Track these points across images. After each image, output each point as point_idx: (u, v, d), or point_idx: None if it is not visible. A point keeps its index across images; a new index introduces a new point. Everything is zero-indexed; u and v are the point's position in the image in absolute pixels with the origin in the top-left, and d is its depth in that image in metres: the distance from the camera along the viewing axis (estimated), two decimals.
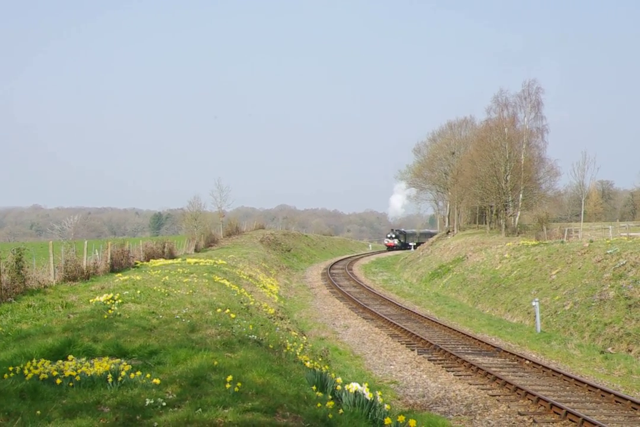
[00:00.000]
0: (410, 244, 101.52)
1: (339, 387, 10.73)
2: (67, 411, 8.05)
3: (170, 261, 38.47)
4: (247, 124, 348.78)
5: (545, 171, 60.94)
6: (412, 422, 9.00)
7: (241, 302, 23.81)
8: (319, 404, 9.23)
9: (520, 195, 58.90)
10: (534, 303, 28.12)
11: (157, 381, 9.44)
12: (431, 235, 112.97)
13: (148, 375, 9.73)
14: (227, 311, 18.52)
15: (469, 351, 24.03)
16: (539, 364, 21.23)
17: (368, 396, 10.26)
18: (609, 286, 27.22)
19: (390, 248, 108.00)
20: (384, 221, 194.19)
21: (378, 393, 10.79)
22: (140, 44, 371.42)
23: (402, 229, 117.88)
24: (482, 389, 18.30)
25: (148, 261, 38.34)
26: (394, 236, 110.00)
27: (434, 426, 14.24)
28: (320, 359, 18.14)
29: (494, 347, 24.34)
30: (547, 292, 31.27)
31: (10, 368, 9.67)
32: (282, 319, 25.95)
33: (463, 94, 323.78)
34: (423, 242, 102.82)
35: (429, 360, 22.42)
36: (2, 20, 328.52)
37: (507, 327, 29.49)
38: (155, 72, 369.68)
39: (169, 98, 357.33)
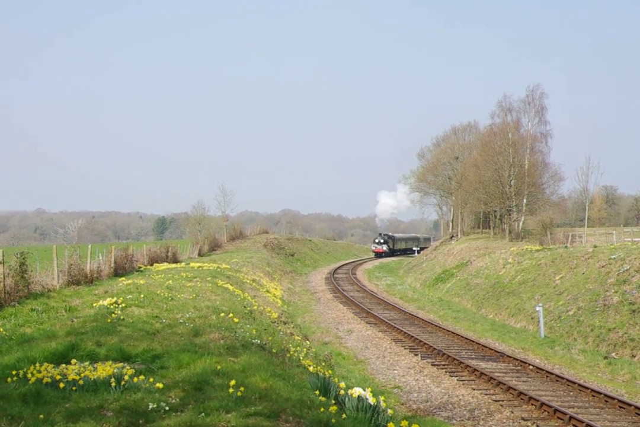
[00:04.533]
0: (415, 248, 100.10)
1: (342, 391, 10.71)
2: (70, 415, 8.06)
3: (173, 265, 38.52)
4: (251, 129, 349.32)
5: (549, 176, 60.90)
6: None
7: (244, 307, 23.81)
8: (322, 409, 9.22)
9: (524, 200, 58.85)
10: (537, 308, 28.07)
11: (160, 385, 9.43)
12: (419, 239, 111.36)
13: (151, 379, 9.74)
14: (231, 315, 18.52)
15: (473, 356, 23.98)
16: (542, 369, 21.18)
17: (371, 400, 10.24)
18: (612, 291, 27.16)
19: (378, 254, 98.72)
20: (387, 225, 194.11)
21: (381, 398, 10.76)
22: (144, 47, 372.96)
23: (391, 234, 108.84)
24: (486, 394, 18.25)
25: (152, 265, 38.41)
26: (382, 241, 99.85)
27: None
28: (323, 364, 18.12)
29: (498, 352, 24.29)
30: (551, 297, 31.21)
31: (14, 372, 9.70)
32: (285, 323, 25.94)
33: (467, 99, 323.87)
34: (416, 248, 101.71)
35: (432, 365, 22.38)
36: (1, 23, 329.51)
37: (510, 332, 29.44)
38: (160, 75, 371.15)
39: (173, 102, 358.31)
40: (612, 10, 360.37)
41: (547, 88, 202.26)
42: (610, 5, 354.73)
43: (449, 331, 29.36)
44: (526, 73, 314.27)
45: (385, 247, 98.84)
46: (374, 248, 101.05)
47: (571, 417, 15.52)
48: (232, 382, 9.44)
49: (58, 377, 9.58)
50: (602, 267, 30.28)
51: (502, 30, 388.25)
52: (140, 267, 35.64)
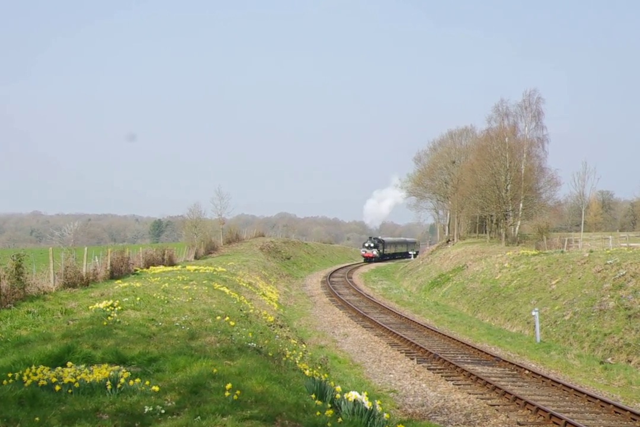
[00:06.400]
0: (411, 252, 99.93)
1: (338, 395, 10.70)
2: (65, 417, 8.03)
3: (170, 268, 38.45)
4: (248, 132, 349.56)
5: (546, 181, 61.13)
6: None
7: (241, 310, 23.78)
8: (318, 413, 9.21)
9: (521, 205, 58.99)
10: (533, 313, 28.09)
11: (156, 388, 9.42)
12: (408, 244, 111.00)
13: (147, 382, 9.71)
14: (227, 318, 18.50)
15: (469, 360, 23.98)
16: (538, 374, 21.19)
17: (367, 404, 10.22)
18: (608, 296, 27.19)
19: (368, 259, 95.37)
20: (383, 229, 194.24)
21: (377, 402, 10.75)
22: (143, 50, 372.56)
23: (381, 237, 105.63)
24: (482, 399, 18.25)
25: (148, 267, 38.33)
26: (372, 245, 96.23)
27: None
28: (319, 367, 18.12)
29: (494, 356, 24.30)
30: (547, 302, 31.24)
31: (9, 374, 9.66)
32: (281, 327, 25.91)
33: (465, 103, 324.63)
34: (408, 252, 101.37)
35: (428, 369, 22.38)
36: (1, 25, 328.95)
37: (506, 336, 29.45)
38: (157, 78, 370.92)
39: (169, 105, 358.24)
40: (613, 13, 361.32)
41: (546, 92, 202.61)
42: (610, 7, 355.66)
43: (444, 335, 29.36)
44: (526, 76, 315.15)
45: (375, 252, 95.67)
46: (363, 252, 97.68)
47: (567, 422, 15.53)
48: (228, 386, 9.43)
49: (54, 379, 9.55)
50: (598, 272, 30.32)
51: (502, 33, 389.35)
52: (137, 270, 35.58)
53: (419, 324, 33.10)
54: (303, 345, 24.00)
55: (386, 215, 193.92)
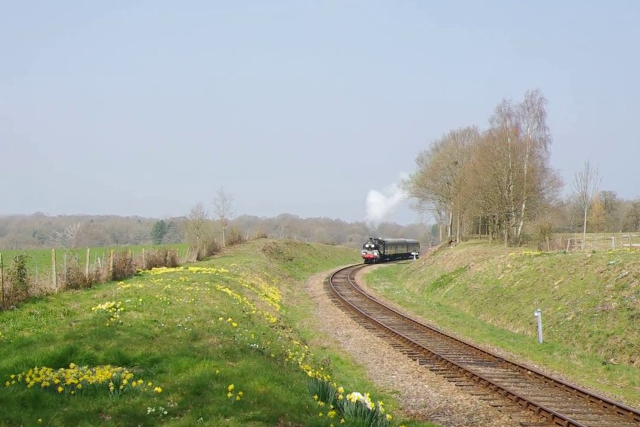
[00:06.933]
0: (413, 253, 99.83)
1: (340, 396, 10.69)
2: (68, 419, 8.04)
3: (172, 269, 38.48)
4: (250, 133, 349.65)
5: (548, 181, 61.13)
6: None
7: (243, 311, 23.78)
8: (320, 414, 9.20)
9: (523, 206, 58.98)
10: (536, 313, 28.08)
11: (158, 389, 9.42)
12: (409, 244, 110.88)
13: (150, 383, 9.72)
14: (229, 319, 18.51)
15: (471, 361, 23.96)
16: (541, 375, 21.17)
17: (370, 405, 10.22)
18: (611, 296, 27.17)
19: (369, 260, 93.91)
20: (386, 229, 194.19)
21: (380, 403, 10.74)
22: (143, 50, 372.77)
23: (381, 238, 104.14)
24: (484, 400, 18.23)
25: (150, 269, 38.36)
26: (373, 246, 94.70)
27: None
28: (322, 369, 18.09)
29: (496, 357, 24.28)
30: (550, 303, 31.21)
31: (12, 376, 9.67)
32: (284, 328, 25.90)
33: (467, 103, 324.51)
34: (410, 253, 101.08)
35: (430, 370, 22.36)
36: None
37: (509, 337, 29.42)
38: (159, 79, 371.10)
39: (172, 106, 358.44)
40: (615, 12, 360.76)
41: (548, 92, 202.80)
42: (613, 5, 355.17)
43: (447, 336, 29.34)
44: (528, 76, 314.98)
45: (375, 253, 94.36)
46: (364, 253, 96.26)
47: (569, 423, 15.52)
48: (231, 387, 9.43)
49: (57, 381, 9.55)
50: (601, 272, 30.29)
51: (504, 33, 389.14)
52: (139, 271, 35.59)
53: (421, 325, 33.08)
54: (305, 346, 23.98)
55: (393, 213, 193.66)
